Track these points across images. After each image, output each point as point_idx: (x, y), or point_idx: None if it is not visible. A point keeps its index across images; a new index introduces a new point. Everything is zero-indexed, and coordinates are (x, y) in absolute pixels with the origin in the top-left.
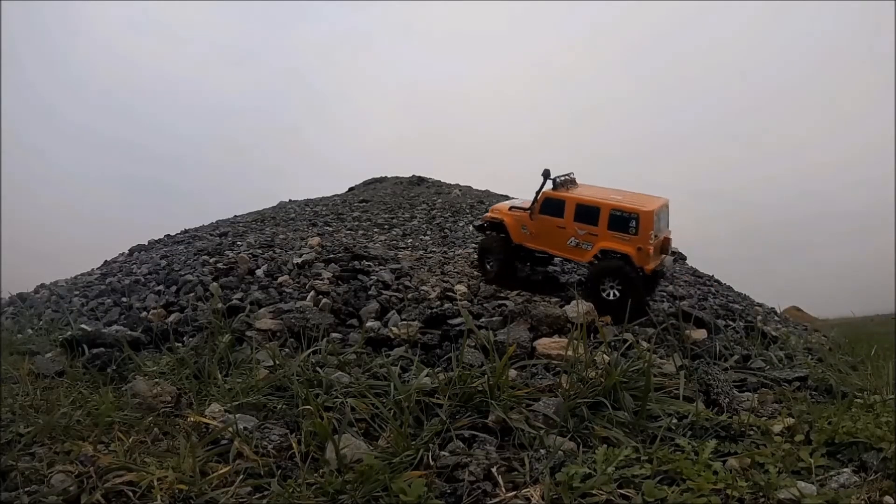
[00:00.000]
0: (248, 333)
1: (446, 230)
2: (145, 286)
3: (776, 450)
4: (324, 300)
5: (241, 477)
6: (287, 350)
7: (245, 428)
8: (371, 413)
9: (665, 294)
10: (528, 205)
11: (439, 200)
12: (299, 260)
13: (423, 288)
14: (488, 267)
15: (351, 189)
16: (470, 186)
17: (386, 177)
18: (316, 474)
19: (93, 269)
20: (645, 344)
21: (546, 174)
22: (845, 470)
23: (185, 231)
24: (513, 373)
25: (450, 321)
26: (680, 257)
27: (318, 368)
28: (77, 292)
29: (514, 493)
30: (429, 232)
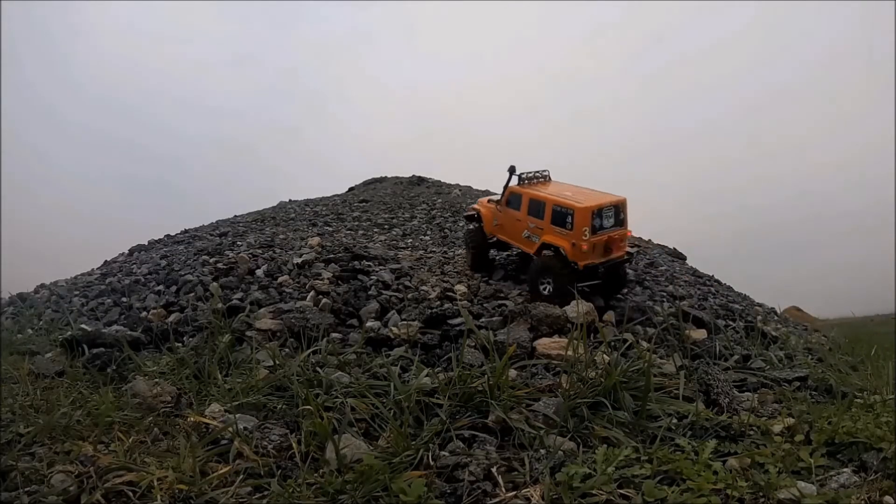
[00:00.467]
0: (248, 333)
1: (446, 230)
2: (145, 286)
3: (776, 450)
4: (324, 300)
5: (241, 477)
6: (287, 350)
7: (245, 428)
8: (371, 413)
9: (665, 294)
10: (503, 206)
11: (439, 200)
12: (299, 260)
13: (423, 288)
14: (471, 249)
15: (351, 189)
16: (470, 186)
17: (386, 177)
18: (316, 474)
19: (93, 269)
20: (645, 344)
21: (511, 170)
22: (845, 470)
23: (185, 231)
24: (513, 373)
25: (450, 321)
26: (680, 257)
27: (318, 368)
28: (77, 292)
29: (514, 493)
30: (429, 232)
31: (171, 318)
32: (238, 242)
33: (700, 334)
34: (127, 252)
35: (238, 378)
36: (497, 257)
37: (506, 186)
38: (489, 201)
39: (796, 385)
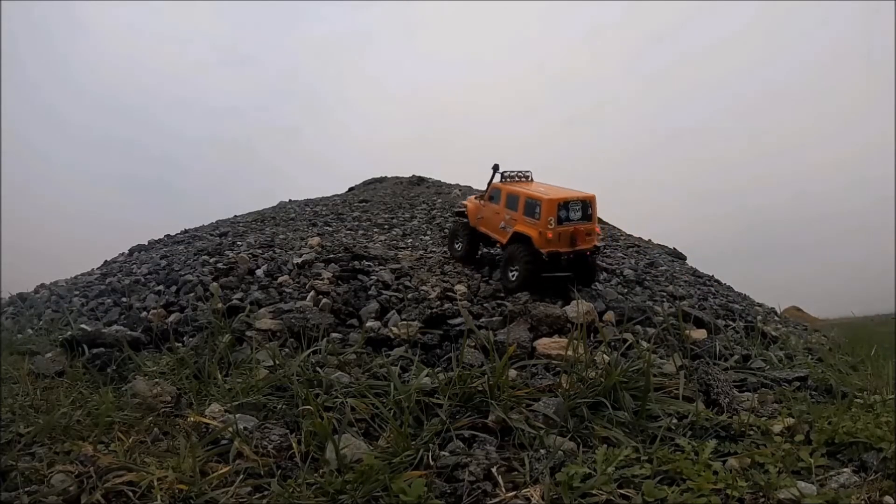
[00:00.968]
0: (248, 333)
1: (446, 230)
2: (145, 286)
3: (776, 450)
4: (324, 300)
5: (241, 477)
6: (287, 350)
7: (245, 428)
8: (371, 413)
9: (665, 294)
10: (486, 200)
11: (439, 200)
12: (299, 260)
13: (423, 288)
14: (456, 247)
15: (351, 189)
16: (470, 186)
17: (386, 177)
18: (316, 474)
19: (93, 269)
20: (645, 344)
21: (495, 168)
22: (845, 470)
23: (185, 231)
24: (513, 373)
25: (450, 321)
26: (680, 257)
27: (318, 368)
28: (77, 292)
29: (514, 493)
30: (429, 232)
31: (171, 318)
32: (238, 242)
33: (700, 334)
34: (127, 252)
35: (238, 378)
36: (483, 252)
37: (489, 183)
38: (476, 198)
39: (796, 385)
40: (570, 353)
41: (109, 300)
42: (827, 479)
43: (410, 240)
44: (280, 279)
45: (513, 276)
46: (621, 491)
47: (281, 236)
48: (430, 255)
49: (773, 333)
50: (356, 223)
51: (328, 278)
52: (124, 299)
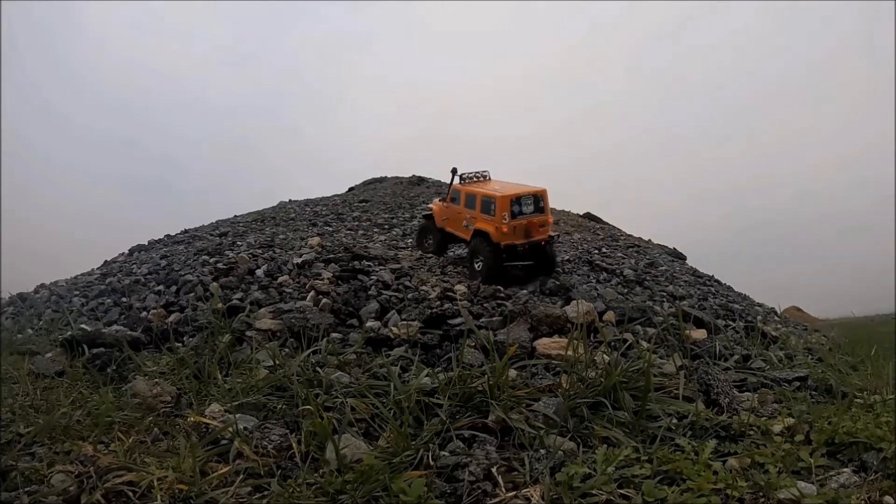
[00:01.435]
0: (248, 333)
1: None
2: (145, 286)
3: (776, 450)
4: (324, 300)
5: (241, 477)
6: (287, 350)
7: (245, 428)
8: (371, 413)
9: (665, 294)
10: (449, 202)
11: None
12: (299, 260)
13: (423, 288)
14: (426, 245)
15: (351, 189)
16: None
17: (386, 177)
18: (316, 474)
19: (93, 269)
20: (645, 344)
21: (454, 171)
22: (845, 470)
23: (185, 231)
24: (513, 373)
25: (450, 321)
26: (680, 257)
27: (318, 368)
28: (77, 292)
29: (514, 493)
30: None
31: (171, 318)
32: (238, 242)
33: (700, 334)
34: (127, 252)
35: (238, 378)
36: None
37: (450, 185)
38: (440, 200)
39: (796, 385)
40: (570, 353)
41: (109, 300)
42: (827, 479)
43: (410, 240)
44: (280, 279)
45: (478, 266)
46: (621, 491)
47: (281, 236)
48: (430, 255)
49: (773, 333)
50: (356, 223)
51: (328, 278)
52: (124, 299)
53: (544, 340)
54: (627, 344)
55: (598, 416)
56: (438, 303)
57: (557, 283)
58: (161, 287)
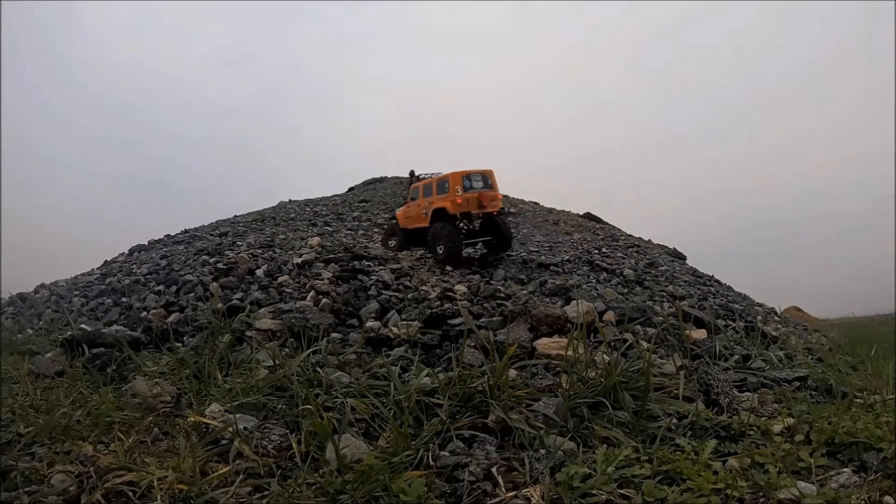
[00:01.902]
0: (248, 333)
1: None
2: (145, 286)
3: (776, 450)
4: (324, 300)
5: (241, 477)
6: (287, 350)
7: (245, 428)
8: (371, 413)
9: (665, 294)
10: (408, 202)
11: None
12: (299, 260)
13: (423, 288)
14: (390, 244)
15: (351, 189)
16: None
17: (386, 177)
18: (316, 474)
19: (93, 269)
20: (645, 344)
21: (412, 174)
22: (845, 470)
23: (185, 231)
24: (513, 373)
25: (450, 321)
26: (680, 257)
27: (318, 368)
28: (77, 292)
29: (514, 493)
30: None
31: (171, 318)
32: (238, 242)
33: (700, 334)
34: (127, 252)
35: (238, 378)
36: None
37: (409, 187)
38: (402, 208)
39: (796, 385)
40: (570, 353)
41: (109, 300)
42: (827, 479)
43: None
44: (280, 279)
45: (440, 249)
46: (621, 491)
47: (281, 236)
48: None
49: (773, 333)
50: (356, 223)
51: (328, 278)
52: (124, 299)
53: (544, 340)
54: (627, 344)
55: (598, 416)
56: (438, 303)
57: (557, 283)
58: (161, 287)
